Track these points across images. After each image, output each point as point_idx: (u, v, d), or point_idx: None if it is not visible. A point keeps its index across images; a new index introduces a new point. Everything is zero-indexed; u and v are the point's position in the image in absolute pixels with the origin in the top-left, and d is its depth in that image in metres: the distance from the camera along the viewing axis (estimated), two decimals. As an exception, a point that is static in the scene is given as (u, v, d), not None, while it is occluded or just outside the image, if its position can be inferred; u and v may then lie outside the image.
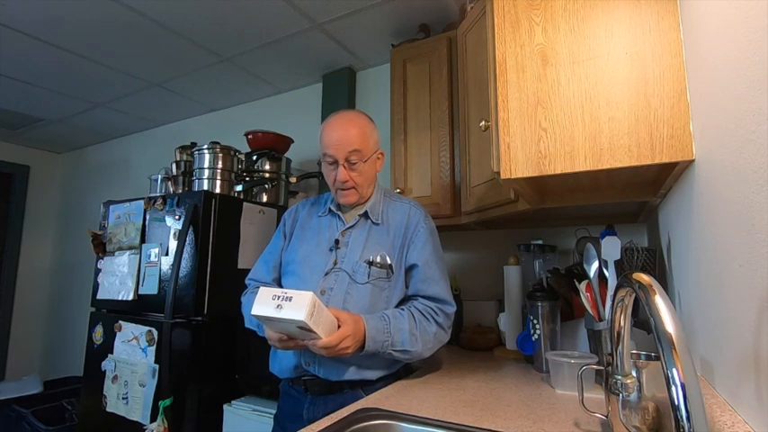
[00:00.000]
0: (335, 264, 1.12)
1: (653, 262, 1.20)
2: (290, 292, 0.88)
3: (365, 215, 1.17)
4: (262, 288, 0.92)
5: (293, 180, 2.14)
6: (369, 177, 1.16)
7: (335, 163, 1.12)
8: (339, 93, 2.34)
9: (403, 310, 1.09)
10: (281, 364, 1.12)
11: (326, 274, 1.11)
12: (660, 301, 0.48)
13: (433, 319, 1.10)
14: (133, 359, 1.75)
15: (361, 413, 0.85)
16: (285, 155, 2.21)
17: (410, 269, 1.14)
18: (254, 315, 0.90)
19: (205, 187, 1.94)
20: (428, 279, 1.13)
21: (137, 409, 1.69)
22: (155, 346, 1.70)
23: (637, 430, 0.66)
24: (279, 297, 0.88)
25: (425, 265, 1.13)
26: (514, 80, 0.97)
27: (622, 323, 0.63)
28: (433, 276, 1.13)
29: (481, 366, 1.33)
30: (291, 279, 1.17)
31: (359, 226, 1.17)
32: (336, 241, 1.15)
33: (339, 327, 0.96)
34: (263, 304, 0.89)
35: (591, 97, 0.90)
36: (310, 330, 0.88)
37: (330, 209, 1.21)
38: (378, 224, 1.16)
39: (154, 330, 1.72)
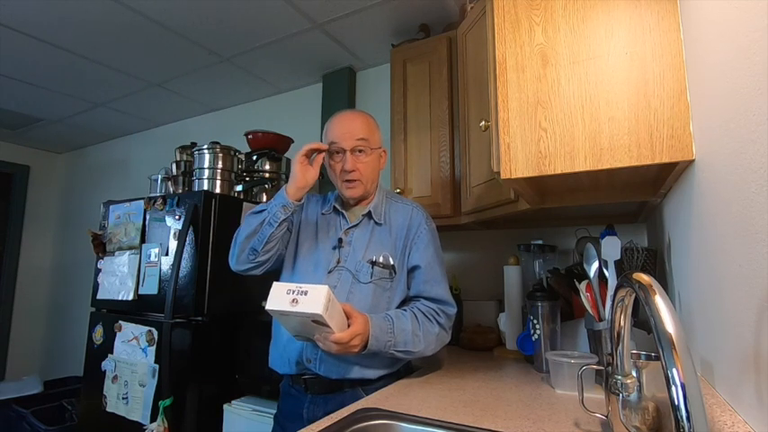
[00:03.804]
0: (338, 262, 1.12)
1: (653, 262, 1.20)
2: (304, 287, 0.88)
3: (368, 215, 1.17)
4: (275, 283, 0.92)
5: (293, 180, 2.14)
6: (373, 171, 1.17)
7: (342, 152, 1.13)
8: (339, 93, 2.34)
9: (405, 310, 1.10)
10: (282, 358, 1.12)
11: (329, 272, 1.12)
12: (660, 301, 0.48)
13: (435, 320, 1.11)
14: (133, 359, 1.75)
15: (361, 413, 0.85)
16: (285, 155, 2.21)
17: (412, 270, 1.15)
18: (268, 310, 0.89)
19: (205, 187, 1.94)
20: (430, 280, 1.13)
21: (137, 409, 1.69)
22: (155, 346, 1.70)
23: (637, 430, 0.66)
24: (294, 291, 0.88)
25: (428, 266, 1.14)
26: (514, 80, 0.97)
27: (622, 323, 0.63)
28: (435, 278, 1.14)
29: (481, 366, 1.33)
30: (294, 275, 1.17)
31: (362, 225, 1.17)
32: (339, 240, 1.15)
33: (349, 323, 0.96)
34: (278, 299, 0.88)
35: (591, 97, 0.90)
36: (324, 324, 0.88)
37: (335, 207, 1.21)
38: (380, 224, 1.17)
39: (154, 330, 1.72)
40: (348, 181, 1.14)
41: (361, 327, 0.96)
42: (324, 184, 2.23)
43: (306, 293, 0.87)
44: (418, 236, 1.16)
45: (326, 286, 0.88)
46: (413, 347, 1.05)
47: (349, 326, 0.96)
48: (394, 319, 1.04)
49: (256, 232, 1.10)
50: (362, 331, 0.96)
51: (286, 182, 2.25)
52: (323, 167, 1.16)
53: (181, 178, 2.10)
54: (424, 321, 1.08)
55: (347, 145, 1.12)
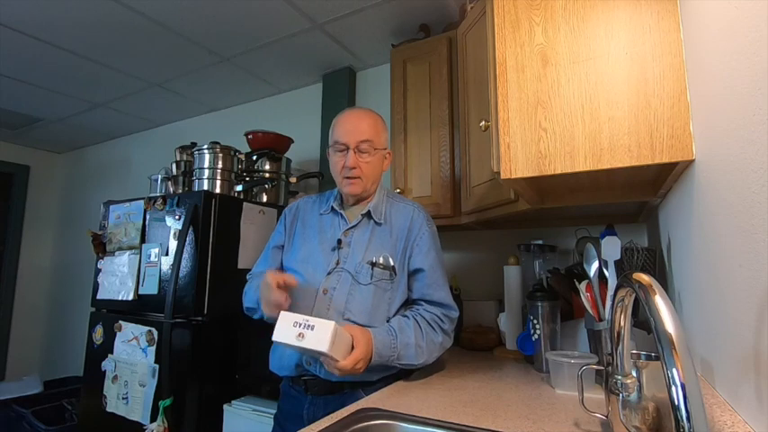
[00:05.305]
0: (338, 263, 1.12)
1: (653, 262, 1.20)
2: (311, 320, 0.89)
3: (368, 215, 1.17)
4: (282, 313, 0.93)
5: (293, 180, 2.14)
6: (375, 171, 1.17)
7: (345, 149, 1.13)
8: (339, 93, 2.34)
9: (408, 318, 1.10)
10: (282, 361, 1.12)
11: (329, 273, 1.11)
12: (660, 301, 0.48)
13: (440, 327, 1.11)
14: (133, 359, 1.75)
15: (362, 413, 0.85)
16: (285, 155, 2.21)
17: (415, 273, 1.14)
18: (275, 341, 0.91)
19: (205, 187, 1.94)
20: (433, 284, 1.13)
21: (137, 409, 1.69)
22: (155, 346, 1.70)
23: (637, 430, 0.66)
24: (300, 324, 0.89)
25: (430, 270, 1.14)
26: (514, 80, 0.97)
27: (622, 323, 0.63)
28: (437, 282, 1.14)
29: (481, 366, 1.32)
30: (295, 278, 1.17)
31: (361, 226, 1.16)
32: (339, 241, 1.14)
33: (353, 345, 0.97)
34: (285, 331, 0.90)
35: (591, 97, 0.90)
36: (330, 357, 0.90)
37: (333, 207, 1.21)
38: (380, 224, 1.16)
39: (154, 330, 1.72)
40: (349, 177, 1.14)
41: (364, 351, 0.97)
42: (324, 183, 2.23)
43: (312, 328, 0.88)
44: (420, 238, 1.15)
45: (333, 322, 0.89)
46: (415, 360, 1.06)
47: (353, 347, 0.96)
48: (397, 333, 1.04)
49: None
50: (365, 355, 0.97)
51: (286, 182, 2.25)
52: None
53: (181, 178, 2.10)
54: (427, 331, 1.09)
55: (350, 143, 1.12)
